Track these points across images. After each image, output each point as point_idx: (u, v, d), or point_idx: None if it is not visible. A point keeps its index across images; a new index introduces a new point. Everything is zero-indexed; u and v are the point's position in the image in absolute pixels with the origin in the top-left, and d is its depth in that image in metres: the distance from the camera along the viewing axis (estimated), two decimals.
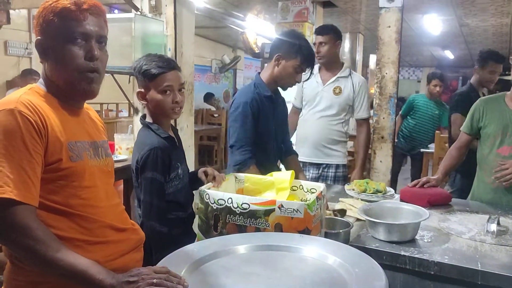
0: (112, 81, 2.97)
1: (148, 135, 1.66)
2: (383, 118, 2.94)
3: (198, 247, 1.20)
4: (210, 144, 7.49)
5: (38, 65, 4.65)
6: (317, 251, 1.17)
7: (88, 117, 1.33)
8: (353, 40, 6.21)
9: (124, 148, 3.11)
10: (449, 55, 9.95)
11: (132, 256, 1.28)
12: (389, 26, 2.85)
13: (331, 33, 2.82)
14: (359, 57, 6.33)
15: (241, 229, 1.36)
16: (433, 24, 6.32)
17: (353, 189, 2.16)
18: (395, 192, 2.22)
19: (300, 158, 2.59)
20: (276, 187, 1.64)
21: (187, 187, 1.75)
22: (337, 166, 2.88)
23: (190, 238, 1.64)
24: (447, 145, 3.84)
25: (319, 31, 2.90)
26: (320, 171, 2.89)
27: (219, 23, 6.28)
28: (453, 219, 1.84)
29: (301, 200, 1.66)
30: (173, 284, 0.97)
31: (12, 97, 1.11)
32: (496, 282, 1.33)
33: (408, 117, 4.93)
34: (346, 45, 6.04)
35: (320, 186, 1.59)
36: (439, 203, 2.04)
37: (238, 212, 1.36)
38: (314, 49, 2.67)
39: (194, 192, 1.76)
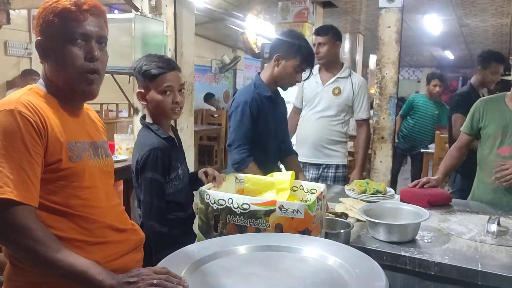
0: (112, 81, 2.97)
1: (148, 136, 1.66)
2: (383, 118, 2.94)
3: (198, 248, 1.20)
4: (210, 144, 7.49)
5: (38, 66, 4.66)
6: (317, 252, 1.17)
7: (88, 117, 1.33)
8: (353, 40, 6.21)
9: (124, 148, 3.11)
10: (449, 55, 9.95)
11: (132, 257, 1.28)
12: (389, 26, 2.86)
13: (330, 34, 2.82)
14: (359, 58, 6.32)
15: (242, 229, 1.36)
16: (433, 24, 6.32)
17: (353, 190, 2.16)
18: (395, 192, 2.22)
19: (300, 159, 2.59)
20: (277, 188, 1.64)
21: (187, 187, 1.74)
22: (337, 166, 2.88)
23: (190, 238, 1.63)
24: (447, 145, 3.84)
25: (318, 32, 2.90)
26: (320, 172, 2.89)
27: (219, 23, 6.28)
28: (453, 220, 1.83)
29: (302, 200, 1.66)
30: (173, 285, 0.97)
31: (12, 98, 1.11)
32: (496, 283, 1.33)
33: (408, 117, 4.93)
34: (346, 45, 6.03)
35: (321, 186, 1.59)
36: (439, 204, 2.04)
37: (238, 212, 1.36)
38: (314, 50, 2.67)
39: (194, 192, 1.76)
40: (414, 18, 5.99)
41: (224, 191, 1.51)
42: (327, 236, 1.48)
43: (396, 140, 4.84)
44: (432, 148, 4.64)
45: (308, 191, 1.67)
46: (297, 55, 2.08)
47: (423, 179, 2.19)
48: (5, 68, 5.23)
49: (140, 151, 1.61)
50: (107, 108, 6.25)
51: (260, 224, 1.34)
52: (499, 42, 7.89)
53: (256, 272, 1.08)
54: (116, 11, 5.36)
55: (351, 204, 1.98)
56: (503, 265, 1.38)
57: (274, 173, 1.71)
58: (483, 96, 3.15)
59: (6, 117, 1.05)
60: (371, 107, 3.04)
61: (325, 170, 2.88)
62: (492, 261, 1.41)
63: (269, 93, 2.14)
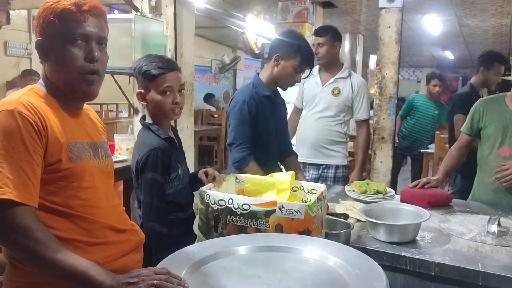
0: (112, 81, 2.97)
1: (148, 136, 1.66)
2: (383, 118, 2.93)
3: (198, 248, 1.20)
4: (210, 144, 7.49)
5: (38, 66, 4.66)
6: (317, 252, 1.17)
7: (88, 117, 1.33)
8: (353, 40, 6.21)
9: (124, 148, 3.11)
10: (449, 55, 9.95)
11: (132, 257, 1.28)
12: (389, 27, 2.85)
13: (330, 34, 2.82)
14: (359, 58, 6.33)
15: (242, 230, 1.36)
16: (433, 24, 6.32)
17: (353, 190, 2.16)
18: (395, 192, 2.21)
19: (300, 159, 2.59)
20: (277, 188, 1.64)
21: (187, 187, 1.74)
22: (337, 166, 2.88)
23: (190, 239, 1.63)
24: (447, 145, 3.85)
25: (318, 32, 2.90)
26: (320, 172, 2.89)
27: (219, 24, 6.28)
28: (454, 220, 1.83)
29: (302, 201, 1.66)
30: (174, 286, 0.97)
31: (12, 98, 1.11)
32: (497, 283, 1.32)
33: (407, 117, 4.93)
34: (346, 45, 6.04)
35: (321, 187, 1.59)
36: (439, 204, 2.04)
37: (238, 213, 1.36)
38: (313, 50, 2.67)
39: (194, 192, 1.76)
40: (414, 18, 5.99)
41: (224, 192, 1.51)
42: (327, 236, 1.48)
43: (397, 141, 4.84)
44: (432, 148, 4.64)
45: (308, 192, 1.67)
46: (296, 55, 2.08)
47: (423, 180, 2.19)
48: (5, 68, 5.23)
49: (140, 151, 1.61)
50: (107, 108, 6.25)
51: (260, 225, 1.34)
52: (499, 42, 7.89)
53: (257, 273, 1.08)
54: (116, 11, 5.36)
55: (351, 205, 1.97)
56: (503, 265, 1.38)
57: (274, 174, 1.71)
58: (483, 96, 3.16)
59: (6, 118, 1.05)
60: (371, 107, 3.04)
61: (325, 171, 2.88)
62: (493, 261, 1.41)
63: (268, 93, 2.14)
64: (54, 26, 1.14)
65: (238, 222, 1.36)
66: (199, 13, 4.19)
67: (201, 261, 1.12)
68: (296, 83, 2.19)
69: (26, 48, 5.40)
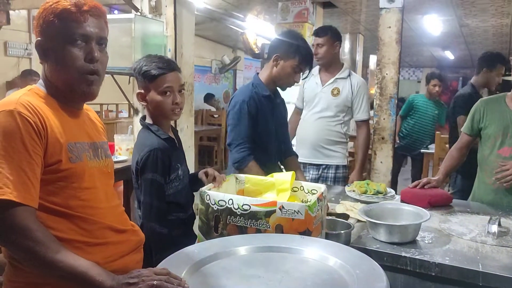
0: (112, 81, 2.97)
1: (148, 136, 1.66)
2: (384, 119, 2.93)
3: (198, 249, 1.20)
4: (210, 144, 7.49)
5: (38, 66, 4.66)
6: (318, 253, 1.17)
7: (87, 118, 1.32)
8: (353, 40, 6.20)
9: (124, 149, 3.11)
10: (449, 55, 9.94)
11: (132, 257, 1.28)
12: (390, 27, 2.85)
13: (329, 35, 2.82)
14: (359, 58, 6.32)
15: (242, 230, 1.36)
16: (433, 24, 6.32)
17: (353, 191, 2.16)
18: (396, 193, 2.21)
19: (300, 159, 2.59)
20: (277, 188, 1.64)
21: (187, 188, 1.74)
22: (337, 167, 2.88)
23: (190, 239, 1.63)
24: (447, 145, 3.85)
25: (317, 33, 2.90)
26: (320, 172, 2.88)
27: (219, 24, 6.28)
28: (454, 220, 1.83)
29: (302, 201, 1.66)
30: (174, 286, 0.97)
31: (12, 98, 1.11)
32: (497, 284, 1.32)
33: (407, 117, 4.93)
34: (346, 45, 6.03)
35: (321, 187, 1.58)
36: (439, 204, 2.04)
37: (238, 213, 1.36)
38: (313, 51, 2.67)
39: (194, 193, 1.76)
40: (414, 18, 5.98)
41: (225, 192, 1.51)
42: (327, 237, 1.48)
43: (398, 141, 4.84)
44: (432, 148, 4.64)
45: (308, 192, 1.67)
46: (295, 55, 2.08)
47: (424, 180, 2.19)
48: (5, 68, 5.23)
49: (140, 151, 1.61)
50: (107, 108, 6.25)
51: (260, 225, 1.33)
52: (499, 43, 7.89)
53: (257, 273, 1.07)
54: (116, 12, 5.36)
55: (351, 205, 1.97)
56: (504, 266, 1.38)
57: (274, 174, 1.71)
58: (484, 96, 3.17)
59: (6, 118, 1.05)
60: (371, 107, 3.04)
61: (325, 171, 2.88)
62: (493, 262, 1.41)
63: (268, 93, 2.14)
64: (54, 26, 1.14)
65: (238, 222, 1.36)
66: (199, 13, 4.19)
67: (201, 262, 1.12)
68: (296, 83, 2.19)
69: (26, 48, 5.40)
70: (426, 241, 1.59)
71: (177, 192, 1.67)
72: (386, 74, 2.90)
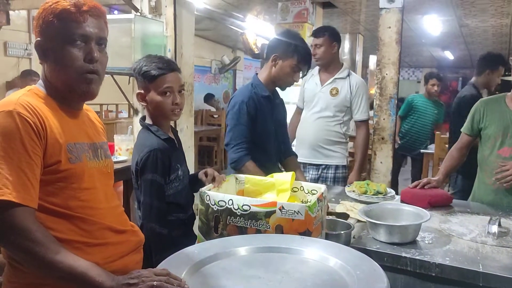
0: (112, 82, 2.97)
1: (148, 137, 1.65)
2: (384, 119, 2.93)
3: (198, 249, 1.20)
4: (210, 145, 7.49)
5: (37, 66, 4.66)
6: (318, 253, 1.17)
7: (87, 118, 1.32)
8: (353, 40, 6.20)
9: (124, 149, 3.11)
10: (449, 55, 9.94)
11: (132, 258, 1.28)
12: (390, 27, 2.85)
13: (327, 35, 2.82)
14: (358, 58, 6.32)
15: (242, 230, 1.36)
16: (433, 24, 6.32)
17: (353, 191, 2.15)
18: (396, 193, 2.21)
19: (299, 159, 2.59)
20: (277, 189, 1.64)
21: (187, 188, 1.74)
22: (337, 167, 2.88)
23: (190, 239, 1.63)
24: (447, 146, 3.85)
25: (315, 34, 2.90)
26: (319, 172, 2.88)
27: (219, 24, 6.27)
28: (454, 221, 1.83)
29: (302, 201, 1.66)
30: (174, 287, 0.97)
31: (11, 99, 1.11)
32: (497, 284, 1.32)
33: (407, 117, 4.94)
34: (345, 46, 6.03)
35: (321, 187, 1.58)
36: (439, 204, 2.03)
37: (238, 213, 1.36)
38: (311, 51, 2.67)
39: (194, 193, 1.76)
40: (414, 18, 5.98)
41: (224, 192, 1.51)
42: (327, 237, 1.48)
43: (400, 142, 4.84)
44: (432, 148, 4.64)
45: (308, 192, 1.67)
46: (294, 55, 2.08)
47: (424, 180, 2.19)
48: (4, 68, 5.23)
49: (139, 152, 1.60)
50: (107, 108, 6.25)
51: (260, 226, 1.33)
52: (499, 43, 7.89)
53: (257, 274, 1.07)
54: (116, 12, 5.36)
55: (351, 205, 1.97)
56: (504, 266, 1.38)
57: (274, 174, 1.71)
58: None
59: (5, 119, 1.05)
60: (371, 107, 3.03)
61: (325, 171, 2.87)
62: (493, 262, 1.41)
63: (267, 93, 2.14)
64: (53, 26, 1.13)
65: (238, 223, 1.36)
66: (199, 14, 4.19)
67: (201, 262, 1.12)
68: (295, 83, 2.19)
69: (26, 49, 5.40)
70: (426, 242, 1.59)
71: (177, 193, 1.67)
72: (386, 74, 2.89)
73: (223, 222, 1.39)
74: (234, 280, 1.05)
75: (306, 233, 1.31)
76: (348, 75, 2.86)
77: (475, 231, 1.69)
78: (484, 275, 1.34)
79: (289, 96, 3.19)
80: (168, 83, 1.63)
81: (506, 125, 2.14)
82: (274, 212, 1.31)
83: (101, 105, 5.93)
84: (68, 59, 1.14)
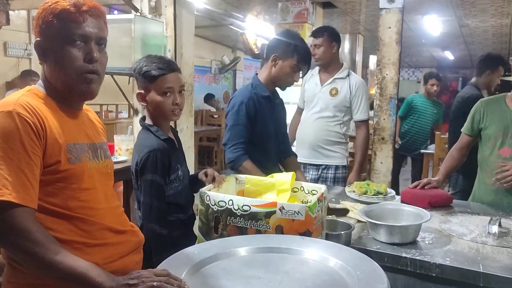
0: (112, 82, 2.96)
1: (148, 137, 1.65)
2: (384, 119, 2.93)
3: (198, 249, 1.20)
4: (210, 145, 7.50)
5: (37, 66, 4.65)
6: (318, 253, 1.17)
7: (87, 118, 1.32)
8: (353, 41, 6.20)
9: (124, 149, 3.11)
10: (449, 56, 9.94)
11: (132, 258, 1.28)
12: (390, 27, 2.85)
13: (326, 35, 2.82)
14: (358, 58, 6.32)
15: (242, 231, 1.36)
16: (433, 25, 6.32)
17: (353, 191, 2.15)
18: (396, 193, 2.21)
19: (299, 159, 2.59)
20: (277, 189, 1.64)
21: (187, 188, 1.74)
22: (337, 167, 2.87)
23: (190, 240, 1.63)
24: (447, 146, 3.85)
25: (314, 34, 2.90)
26: (319, 172, 2.88)
27: (219, 24, 6.27)
28: (454, 221, 1.83)
29: (302, 202, 1.66)
30: (174, 287, 0.96)
31: (11, 99, 1.11)
32: (498, 284, 1.32)
33: (406, 118, 4.94)
34: (345, 46, 6.03)
35: (321, 187, 1.58)
36: (440, 205, 2.03)
37: (238, 214, 1.36)
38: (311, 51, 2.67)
39: (194, 193, 1.76)
40: (414, 18, 5.98)
41: (225, 193, 1.51)
42: (328, 237, 1.47)
43: (400, 142, 4.84)
44: (432, 148, 4.64)
45: (308, 192, 1.67)
46: (294, 55, 2.08)
47: (424, 180, 2.18)
48: (4, 69, 5.23)
49: (139, 152, 1.60)
50: (107, 109, 6.25)
51: (260, 226, 1.33)
52: (499, 43, 7.89)
53: (257, 274, 1.07)
54: (115, 12, 5.36)
55: (351, 205, 1.97)
56: (504, 266, 1.38)
57: (274, 174, 1.71)
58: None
59: (5, 119, 1.04)
60: (371, 108, 3.03)
61: (325, 171, 2.87)
62: (494, 262, 1.41)
63: (267, 93, 2.14)
64: (53, 26, 1.13)
65: (238, 223, 1.36)
66: (199, 14, 4.18)
67: (201, 263, 1.12)
68: (295, 83, 2.19)
69: (26, 49, 5.40)
70: (427, 242, 1.58)
71: (177, 193, 1.67)
72: (386, 74, 2.89)
73: (223, 223, 1.39)
74: (234, 280, 1.05)
75: (306, 233, 1.30)
76: (348, 75, 2.86)
77: (475, 232, 1.69)
78: (485, 276, 1.34)
79: (289, 96, 3.18)
80: (168, 83, 1.63)
81: (506, 125, 2.14)
82: (274, 212, 1.31)
83: (101, 105, 5.93)
84: (67, 59, 1.14)
